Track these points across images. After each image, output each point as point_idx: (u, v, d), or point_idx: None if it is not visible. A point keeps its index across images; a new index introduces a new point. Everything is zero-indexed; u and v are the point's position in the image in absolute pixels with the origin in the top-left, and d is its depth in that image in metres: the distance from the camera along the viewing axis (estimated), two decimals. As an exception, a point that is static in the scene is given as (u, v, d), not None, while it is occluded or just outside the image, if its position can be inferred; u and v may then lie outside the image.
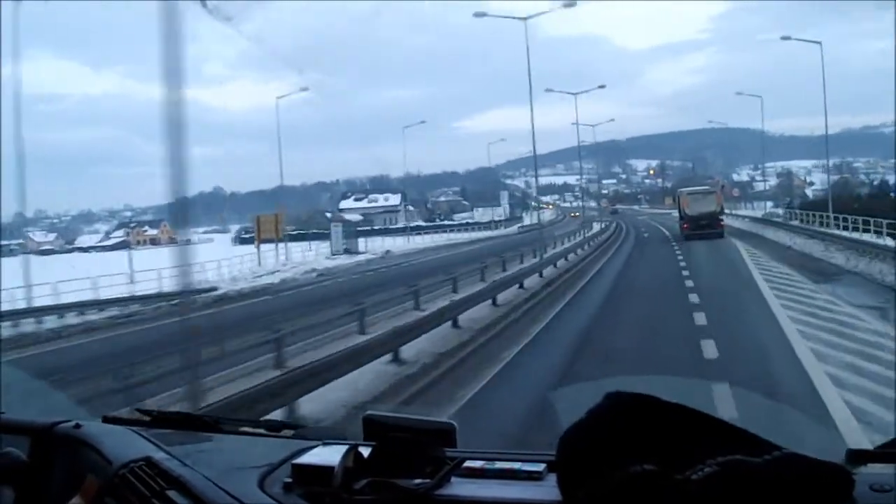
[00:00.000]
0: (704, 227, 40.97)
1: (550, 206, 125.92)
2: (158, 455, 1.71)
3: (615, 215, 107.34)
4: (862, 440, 6.53)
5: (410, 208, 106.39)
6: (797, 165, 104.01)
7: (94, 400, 7.75)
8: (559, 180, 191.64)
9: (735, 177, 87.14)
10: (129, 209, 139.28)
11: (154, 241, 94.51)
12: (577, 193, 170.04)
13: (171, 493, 1.55)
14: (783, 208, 58.21)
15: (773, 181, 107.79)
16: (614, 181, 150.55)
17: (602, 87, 67.10)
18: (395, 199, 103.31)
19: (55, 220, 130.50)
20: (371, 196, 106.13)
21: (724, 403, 6.51)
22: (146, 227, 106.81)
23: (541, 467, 1.49)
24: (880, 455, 1.40)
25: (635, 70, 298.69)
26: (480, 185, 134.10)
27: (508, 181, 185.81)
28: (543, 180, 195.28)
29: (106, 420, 2.05)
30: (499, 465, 1.52)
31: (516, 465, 1.51)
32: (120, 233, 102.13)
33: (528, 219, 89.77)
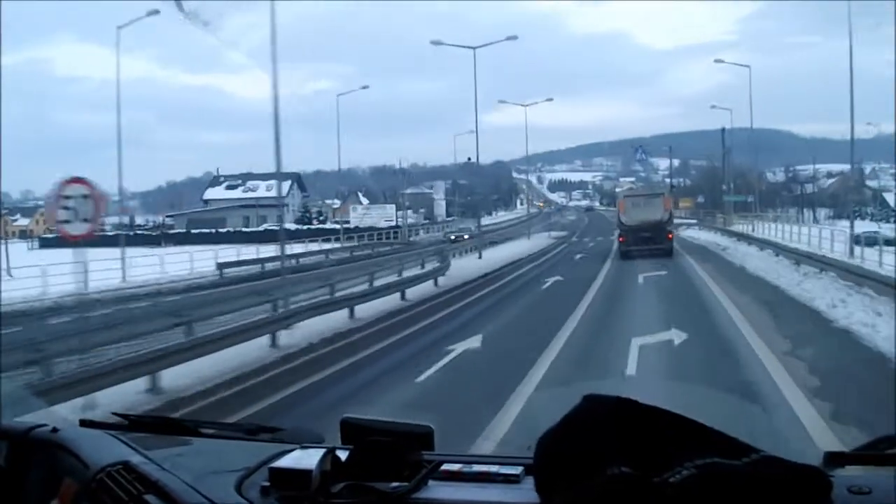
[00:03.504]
0: (647, 241, 32.07)
1: (542, 205, 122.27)
2: (136, 459, 1.70)
3: (589, 212, 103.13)
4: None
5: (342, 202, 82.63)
6: (825, 169, 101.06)
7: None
8: (575, 177, 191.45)
9: (770, 177, 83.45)
10: (121, 193, 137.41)
11: (24, 234, 76.99)
12: (588, 191, 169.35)
13: (149, 498, 1.54)
14: None
15: (819, 184, 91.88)
16: (633, 179, 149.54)
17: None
18: (282, 188, 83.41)
19: (40, 202, 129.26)
20: (250, 183, 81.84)
21: (701, 406, 6.38)
22: (17, 217, 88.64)
23: (518, 470, 1.48)
24: (858, 457, 1.40)
25: (660, 69, 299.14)
26: (493, 180, 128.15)
27: (521, 175, 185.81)
28: (557, 176, 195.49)
29: (83, 424, 2.04)
30: (476, 468, 1.52)
31: (493, 469, 1.51)
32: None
33: (472, 224, 71.66)
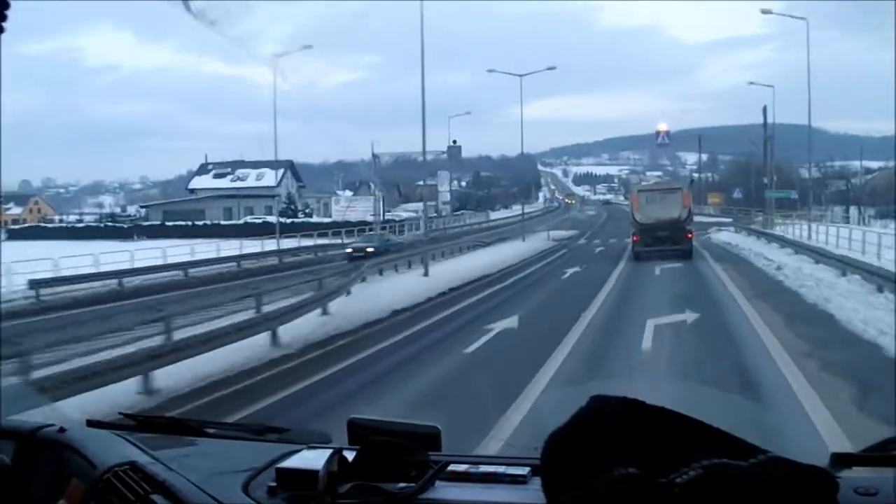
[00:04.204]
0: (663, 242, 28.71)
1: (570, 201, 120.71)
2: (143, 459, 1.71)
3: (607, 206, 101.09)
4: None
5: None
6: (858, 166, 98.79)
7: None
8: (601, 170, 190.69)
9: (804, 173, 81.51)
10: (144, 182, 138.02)
11: (17, 223, 72.82)
12: (613, 185, 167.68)
13: (156, 498, 1.55)
14: None
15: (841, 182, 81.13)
16: (660, 173, 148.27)
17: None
18: (272, 178, 68.79)
19: (61, 190, 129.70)
20: (240, 172, 74.20)
21: (709, 407, 6.25)
22: (10, 206, 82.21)
23: (525, 471, 1.49)
24: (865, 459, 1.41)
25: (691, 63, 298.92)
26: (518, 172, 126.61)
27: (547, 168, 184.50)
28: (583, 169, 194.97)
29: (90, 424, 2.05)
30: (483, 468, 1.53)
31: (500, 469, 1.52)
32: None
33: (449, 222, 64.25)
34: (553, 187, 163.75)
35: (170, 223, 61.16)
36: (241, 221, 60.82)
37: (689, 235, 29.72)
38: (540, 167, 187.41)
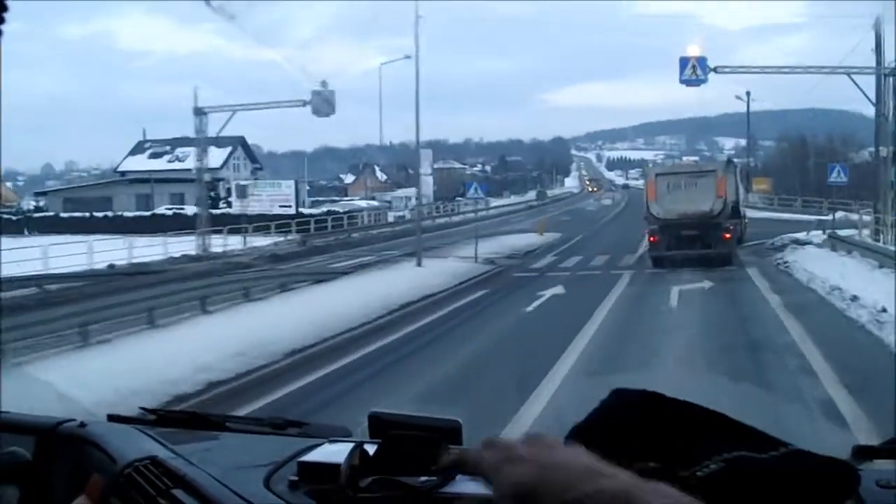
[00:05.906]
0: (692, 243, 22.23)
1: (594, 188, 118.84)
2: (164, 454, 1.72)
3: (626, 190, 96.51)
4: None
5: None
6: None
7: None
8: (636, 155, 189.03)
9: (853, 157, 79.81)
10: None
11: None
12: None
13: (177, 492, 1.56)
14: None
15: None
16: (697, 158, 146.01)
17: None
18: (218, 157, 58.95)
19: (83, 174, 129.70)
20: (179, 151, 62.35)
21: (729, 400, 6.22)
22: None
23: None
24: (887, 451, 1.41)
25: (728, 48, 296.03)
26: (550, 156, 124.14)
27: (581, 153, 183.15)
28: (617, 154, 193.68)
29: (111, 419, 2.07)
30: None
31: None
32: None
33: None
34: (584, 172, 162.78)
35: (67, 214, 53.03)
36: (148, 213, 52.35)
37: (727, 235, 22.93)
38: (574, 151, 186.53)
